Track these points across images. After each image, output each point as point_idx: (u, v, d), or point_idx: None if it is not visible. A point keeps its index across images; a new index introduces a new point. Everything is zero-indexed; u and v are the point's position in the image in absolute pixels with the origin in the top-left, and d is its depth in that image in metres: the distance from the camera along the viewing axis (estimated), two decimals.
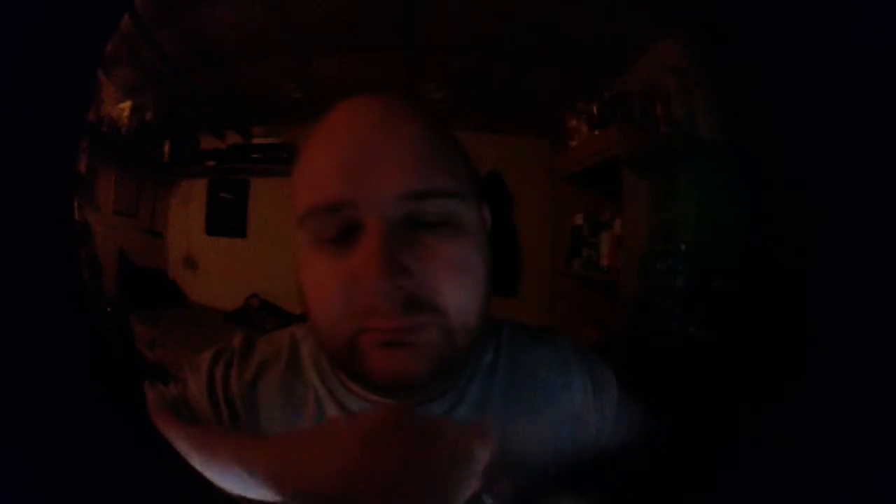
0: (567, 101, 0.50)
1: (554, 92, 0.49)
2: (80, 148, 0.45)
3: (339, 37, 0.47)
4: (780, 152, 0.34)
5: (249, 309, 0.48)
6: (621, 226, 0.43)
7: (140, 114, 0.48)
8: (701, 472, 0.35)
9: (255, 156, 0.49)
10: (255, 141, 0.50)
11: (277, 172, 0.43)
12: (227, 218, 0.48)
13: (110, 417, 0.39)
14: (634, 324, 0.44)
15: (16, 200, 0.35)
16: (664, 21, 0.45)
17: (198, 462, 0.37)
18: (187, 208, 0.48)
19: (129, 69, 0.47)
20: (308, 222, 0.32)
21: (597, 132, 0.48)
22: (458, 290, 0.31)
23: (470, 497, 0.27)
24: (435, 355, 0.31)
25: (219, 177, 0.49)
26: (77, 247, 0.45)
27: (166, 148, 0.49)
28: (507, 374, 0.38)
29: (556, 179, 0.46)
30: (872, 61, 0.29)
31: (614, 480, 0.40)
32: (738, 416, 0.33)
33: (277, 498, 0.31)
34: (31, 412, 0.34)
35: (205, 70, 0.49)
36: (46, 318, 0.38)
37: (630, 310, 0.44)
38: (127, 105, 0.48)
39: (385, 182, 0.30)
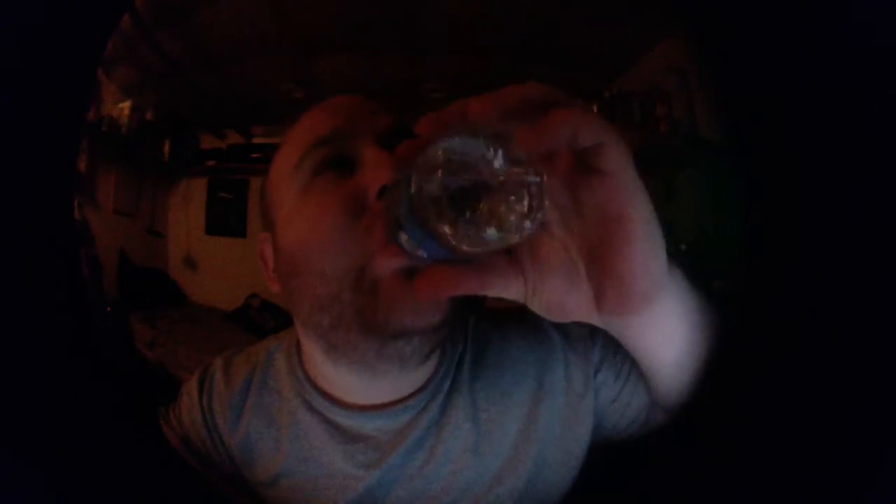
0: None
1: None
2: (80, 148, 0.45)
3: (339, 37, 0.47)
4: (781, 152, 0.34)
5: (249, 309, 0.48)
6: None
7: (140, 114, 0.48)
8: (699, 471, 0.35)
9: (255, 156, 0.49)
10: (255, 141, 0.50)
11: None
12: (227, 218, 0.48)
13: (110, 417, 0.39)
14: None
15: (16, 200, 0.35)
16: (665, 21, 0.45)
17: None
18: (187, 208, 0.49)
19: (129, 69, 0.47)
20: (305, 163, 0.32)
21: None
22: None
23: None
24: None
25: (219, 177, 0.49)
26: (77, 247, 0.45)
27: (166, 148, 0.49)
28: (471, 367, 0.38)
29: None
30: (873, 61, 0.29)
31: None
32: (738, 414, 0.33)
33: None
34: (30, 412, 0.34)
35: (205, 70, 0.49)
36: (46, 318, 0.38)
37: None
38: (127, 105, 0.48)
39: (372, 118, 0.32)
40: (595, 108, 0.48)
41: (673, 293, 0.24)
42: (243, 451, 0.38)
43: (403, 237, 0.22)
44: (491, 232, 0.19)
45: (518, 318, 0.41)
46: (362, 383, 0.35)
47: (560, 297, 0.23)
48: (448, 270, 0.22)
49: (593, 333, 0.40)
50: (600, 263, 0.22)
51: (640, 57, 0.47)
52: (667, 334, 0.26)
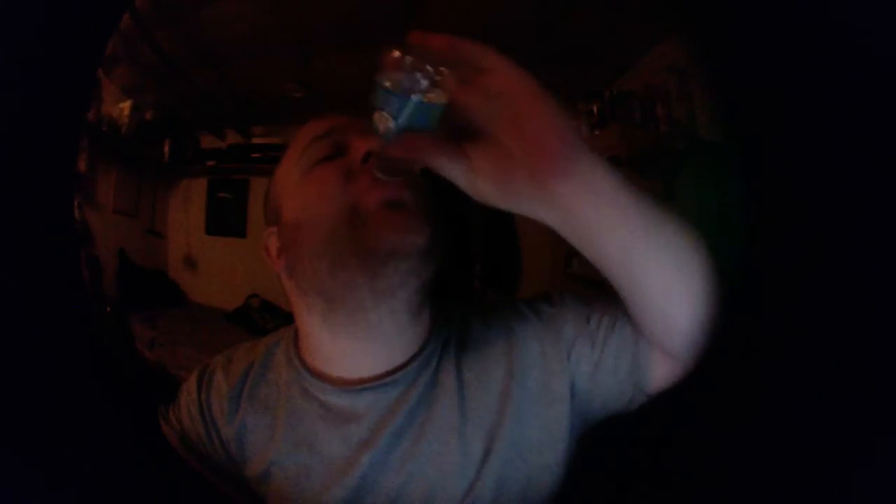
0: (567, 101, 0.50)
1: (554, 92, 0.49)
2: (80, 148, 0.45)
3: (339, 37, 0.47)
4: (781, 152, 0.34)
5: (249, 309, 0.48)
6: None
7: (140, 114, 0.48)
8: (695, 470, 0.35)
9: (255, 156, 0.49)
10: (255, 141, 0.50)
11: None
12: (227, 218, 0.48)
13: (110, 417, 0.39)
14: None
15: (16, 200, 0.35)
16: (665, 21, 0.45)
17: None
18: (187, 208, 0.49)
19: (129, 69, 0.47)
20: (306, 152, 0.38)
21: (597, 132, 0.49)
22: None
23: None
24: (426, 218, 0.35)
25: (219, 177, 0.49)
26: (77, 247, 0.45)
27: (166, 148, 0.49)
28: (457, 349, 0.40)
29: None
30: (873, 61, 0.29)
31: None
32: (737, 413, 0.33)
33: None
34: (30, 412, 0.34)
35: (205, 70, 0.49)
36: (46, 318, 0.38)
37: None
38: (127, 105, 0.48)
39: (358, 121, 0.38)
40: (595, 109, 0.48)
41: (595, 161, 0.28)
42: (238, 441, 0.39)
43: (378, 116, 0.29)
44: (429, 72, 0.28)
45: (497, 305, 0.43)
46: (356, 348, 0.38)
47: (498, 168, 0.29)
48: (412, 136, 0.29)
49: (563, 310, 0.41)
50: (521, 133, 0.28)
51: (640, 57, 0.47)
52: (610, 209, 0.29)
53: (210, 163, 0.49)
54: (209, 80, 0.49)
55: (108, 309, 0.48)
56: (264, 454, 0.38)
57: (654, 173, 0.47)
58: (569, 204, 0.28)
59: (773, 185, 0.35)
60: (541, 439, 0.38)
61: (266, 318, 0.47)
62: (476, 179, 0.29)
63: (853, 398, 0.29)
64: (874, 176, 0.29)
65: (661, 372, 0.36)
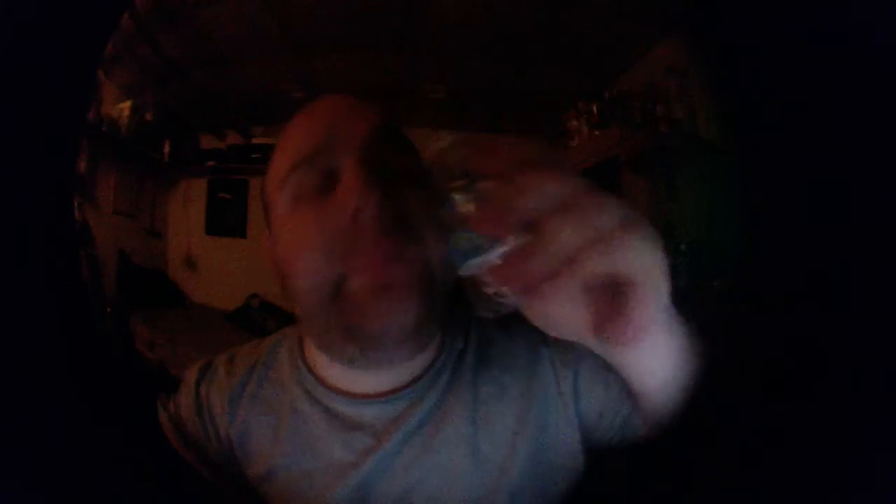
0: (567, 101, 0.50)
1: (554, 92, 0.49)
2: (80, 148, 0.45)
3: (338, 37, 0.47)
4: (780, 152, 0.34)
5: (249, 309, 0.48)
6: None
7: (140, 114, 0.48)
8: (694, 475, 0.35)
9: (255, 156, 0.49)
10: (255, 141, 0.50)
11: None
12: (227, 218, 0.48)
13: (110, 417, 0.39)
14: None
15: (16, 200, 0.35)
16: (665, 21, 0.45)
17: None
18: (187, 208, 0.48)
19: (129, 69, 0.47)
20: (289, 181, 0.34)
21: (597, 132, 0.49)
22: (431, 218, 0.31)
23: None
24: (419, 296, 0.32)
25: (219, 177, 0.49)
26: (77, 247, 0.45)
27: (166, 148, 0.49)
28: (475, 362, 0.39)
29: None
30: (873, 61, 0.29)
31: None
32: (737, 415, 0.33)
33: None
34: (30, 412, 0.34)
35: (205, 70, 0.49)
36: (46, 318, 0.38)
37: None
38: (127, 105, 0.48)
39: (355, 125, 0.34)
40: (595, 109, 0.48)
41: (667, 325, 0.25)
42: (241, 442, 0.39)
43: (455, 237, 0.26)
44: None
45: (516, 320, 0.42)
46: (358, 377, 0.37)
47: (557, 313, 0.25)
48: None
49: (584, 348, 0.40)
50: (607, 299, 0.23)
51: (640, 57, 0.47)
52: (657, 363, 0.28)
53: (210, 163, 0.49)
54: (209, 80, 0.49)
55: (108, 309, 0.48)
56: (267, 456, 0.38)
57: (654, 173, 0.46)
58: (628, 360, 0.27)
59: (773, 185, 0.35)
60: (556, 456, 0.38)
61: (266, 319, 0.47)
62: (525, 309, 0.26)
63: (853, 401, 0.29)
64: (875, 176, 0.29)
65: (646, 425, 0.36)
